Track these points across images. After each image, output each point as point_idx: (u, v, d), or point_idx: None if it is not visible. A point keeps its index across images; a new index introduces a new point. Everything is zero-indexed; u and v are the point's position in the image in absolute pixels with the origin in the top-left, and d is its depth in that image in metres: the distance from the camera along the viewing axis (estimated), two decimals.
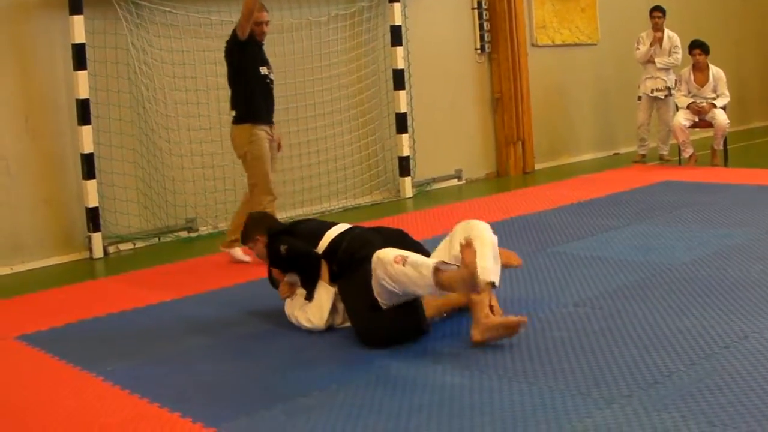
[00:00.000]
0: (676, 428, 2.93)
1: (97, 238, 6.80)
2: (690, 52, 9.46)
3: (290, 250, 4.35)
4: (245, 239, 4.79)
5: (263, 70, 5.97)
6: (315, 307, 4.28)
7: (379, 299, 3.94)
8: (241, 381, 3.71)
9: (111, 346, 4.34)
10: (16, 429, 3.39)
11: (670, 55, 9.74)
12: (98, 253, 6.80)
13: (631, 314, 4.23)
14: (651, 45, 9.72)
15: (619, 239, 5.95)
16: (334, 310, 4.29)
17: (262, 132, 5.92)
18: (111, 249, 6.95)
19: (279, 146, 6.24)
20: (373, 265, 3.89)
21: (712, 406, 3.10)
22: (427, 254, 4.16)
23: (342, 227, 4.49)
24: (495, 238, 4.17)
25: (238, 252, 6.02)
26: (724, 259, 5.21)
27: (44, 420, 3.44)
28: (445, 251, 4.22)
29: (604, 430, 2.97)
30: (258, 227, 4.68)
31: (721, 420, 2.98)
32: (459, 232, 4.19)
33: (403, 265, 3.78)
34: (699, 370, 3.46)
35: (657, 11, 9.82)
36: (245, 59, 5.89)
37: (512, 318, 3.92)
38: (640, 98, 9.98)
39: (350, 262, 4.19)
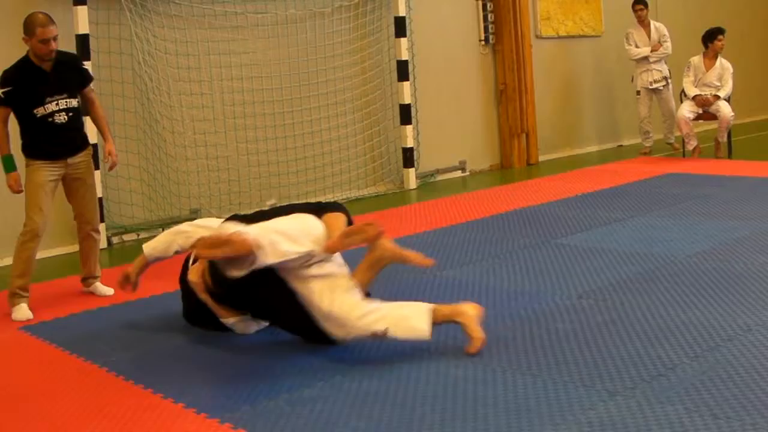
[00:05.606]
0: (680, 420, 2.94)
1: (101, 229, 6.78)
2: (715, 38, 9.34)
3: None
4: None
5: (43, 110, 5.09)
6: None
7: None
8: (244, 371, 3.71)
9: (115, 337, 4.35)
10: (19, 419, 3.40)
11: (660, 46, 9.79)
12: (102, 243, 6.79)
13: (635, 306, 4.24)
14: (652, 51, 9.65)
15: (622, 231, 5.95)
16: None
17: (41, 166, 5.29)
18: (115, 240, 6.96)
19: (111, 166, 5.45)
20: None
21: (716, 398, 3.10)
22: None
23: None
24: None
25: (100, 287, 5.45)
26: (727, 251, 5.21)
27: (48, 410, 3.45)
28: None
29: (608, 422, 2.97)
30: None
31: (724, 412, 2.98)
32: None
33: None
34: (702, 362, 3.46)
35: (639, 4, 9.80)
36: (16, 104, 5.09)
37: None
38: (639, 92, 9.98)
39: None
